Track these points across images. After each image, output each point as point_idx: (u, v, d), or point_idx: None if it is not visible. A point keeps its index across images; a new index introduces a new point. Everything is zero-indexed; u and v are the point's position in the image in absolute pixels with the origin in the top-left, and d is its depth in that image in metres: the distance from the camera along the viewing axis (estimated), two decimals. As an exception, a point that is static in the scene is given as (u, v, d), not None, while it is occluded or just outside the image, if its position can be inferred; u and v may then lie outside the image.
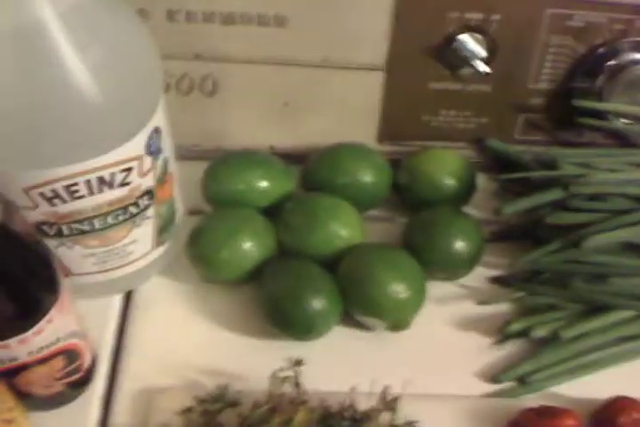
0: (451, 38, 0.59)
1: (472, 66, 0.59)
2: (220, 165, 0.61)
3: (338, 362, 0.55)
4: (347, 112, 0.64)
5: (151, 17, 0.58)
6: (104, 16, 0.44)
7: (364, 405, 0.49)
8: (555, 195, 0.58)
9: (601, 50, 0.60)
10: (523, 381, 0.55)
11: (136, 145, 0.47)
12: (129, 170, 0.48)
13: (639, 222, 0.57)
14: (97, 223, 0.50)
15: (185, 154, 0.59)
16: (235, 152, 0.62)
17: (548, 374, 0.55)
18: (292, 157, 0.64)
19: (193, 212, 0.61)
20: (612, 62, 0.60)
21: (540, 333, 0.56)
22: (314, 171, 0.62)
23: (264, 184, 0.60)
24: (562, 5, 0.58)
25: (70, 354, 0.48)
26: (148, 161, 0.49)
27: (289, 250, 0.58)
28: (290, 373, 0.49)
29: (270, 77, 0.62)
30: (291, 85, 0.62)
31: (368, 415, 0.48)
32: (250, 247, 0.56)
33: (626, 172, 0.59)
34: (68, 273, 0.53)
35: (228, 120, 0.64)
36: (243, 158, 0.61)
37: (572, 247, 0.57)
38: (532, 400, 0.53)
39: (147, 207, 0.52)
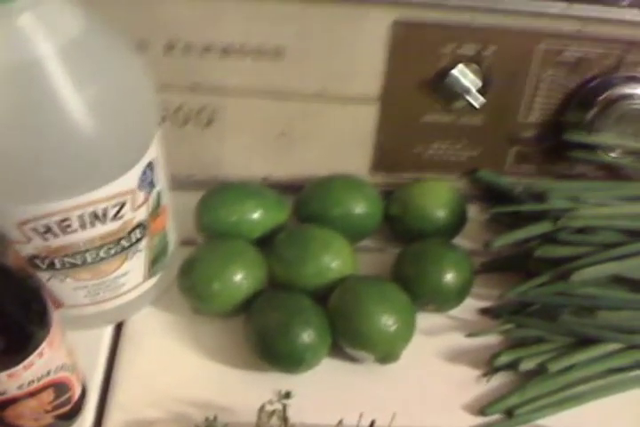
0: (445, 72, 0.60)
1: (465, 99, 0.60)
2: (213, 195, 0.61)
3: (326, 394, 0.55)
4: (341, 143, 0.65)
5: (149, 48, 0.58)
6: (101, 52, 0.45)
7: (351, 438, 0.50)
8: (544, 228, 0.59)
9: (593, 84, 0.61)
10: (510, 413, 0.55)
11: (130, 179, 0.48)
12: (122, 204, 0.48)
13: (627, 256, 0.57)
14: (89, 257, 0.50)
15: (180, 184, 0.59)
16: (228, 183, 0.63)
17: (535, 406, 0.55)
18: (287, 187, 0.65)
19: (186, 242, 0.62)
20: (603, 96, 0.61)
21: (528, 365, 0.56)
22: (306, 202, 0.63)
23: (257, 215, 0.60)
24: (555, 39, 0.59)
25: (60, 387, 0.49)
26: (141, 195, 0.50)
27: (281, 281, 0.58)
28: (278, 406, 0.50)
29: (266, 109, 0.63)
30: (287, 116, 0.63)
31: (354, 449, 0.49)
32: (241, 280, 0.56)
33: (615, 205, 0.60)
34: (59, 305, 0.53)
35: (224, 151, 0.65)
36: (236, 189, 0.62)
37: (560, 280, 0.57)
38: (518, 433, 0.53)
39: (139, 240, 0.52)
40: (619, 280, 0.58)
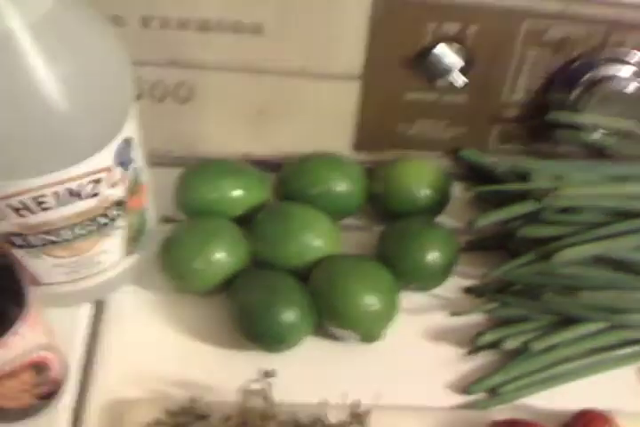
0: (428, 49, 0.59)
1: (449, 77, 0.60)
2: (193, 173, 0.60)
3: (309, 374, 0.55)
4: (322, 121, 0.64)
5: (126, 23, 0.57)
6: (74, 27, 0.43)
7: (334, 417, 0.49)
8: (527, 207, 0.58)
9: (577, 63, 0.61)
10: (493, 392, 0.55)
11: (105, 156, 0.47)
12: (98, 181, 0.48)
13: (610, 236, 0.57)
14: (66, 234, 0.49)
15: (158, 160, 0.59)
16: (208, 160, 0.62)
17: (519, 385, 0.55)
18: (267, 165, 0.64)
19: (165, 219, 0.61)
20: (587, 76, 0.60)
21: (512, 344, 0.56)
22: (288, 180, 0.62)
23: (237, 193, 0.60)
24: (539, 18, 0.58)
25: (39, 366, 0.48)
26: (117, 172, 0.49)
27: (262, 260, 0.58)
28: (260, 385, 0.49)
29: (246, 85, 0.62)
30: (266, 93, 0.62)
31: (338, 429, 0.49)
32: (222, 258, 0.56)
33: (598, 185, 0.60)
34: (37, 283, 0.52)
35: (203, 127, 0.64)
36: (216, 167, 0.61)
37: (543, 260, 0.57)
38: (502, 412, 0.53)
39: (116, 218, 0.51)
40: (601, 260, 0.58)
